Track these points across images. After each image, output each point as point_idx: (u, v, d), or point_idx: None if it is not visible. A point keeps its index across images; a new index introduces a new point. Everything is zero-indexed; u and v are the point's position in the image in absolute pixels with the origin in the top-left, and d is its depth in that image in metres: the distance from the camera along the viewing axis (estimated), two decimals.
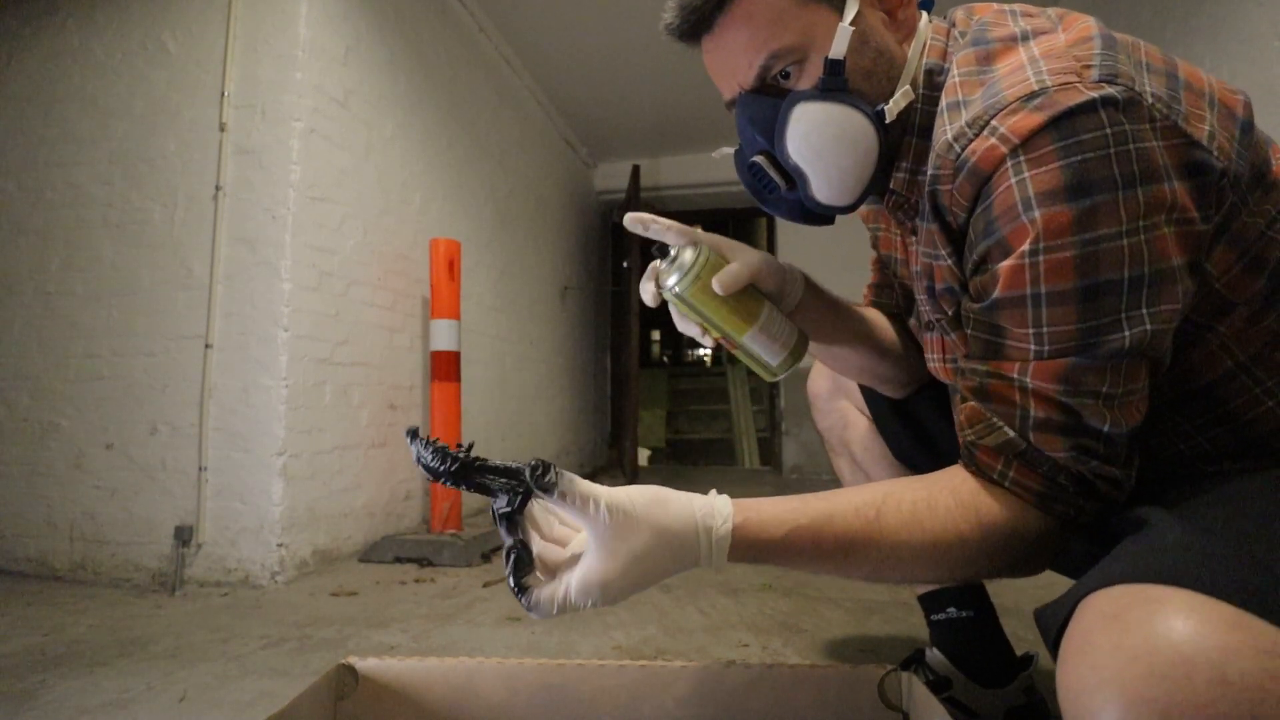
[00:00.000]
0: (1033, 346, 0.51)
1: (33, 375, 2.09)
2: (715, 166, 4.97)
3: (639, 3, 3.11)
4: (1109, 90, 0.48)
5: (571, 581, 0.51)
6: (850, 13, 0.61)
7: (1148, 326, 0.49)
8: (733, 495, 0.54)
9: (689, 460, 6.52)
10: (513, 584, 0.51)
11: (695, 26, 0.65)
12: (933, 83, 0.62)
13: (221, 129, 1.99)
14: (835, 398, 1.03)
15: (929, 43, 0.63)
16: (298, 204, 1.97)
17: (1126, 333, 0.49)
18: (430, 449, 0.52)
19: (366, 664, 0.74)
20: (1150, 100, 0.49)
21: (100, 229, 2.08)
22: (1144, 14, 2.56)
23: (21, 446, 2.07)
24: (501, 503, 0.53)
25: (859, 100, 0.61)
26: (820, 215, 0.68)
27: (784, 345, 0.69)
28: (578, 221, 4.78)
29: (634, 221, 0.68)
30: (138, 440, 1.97)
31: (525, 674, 0.73)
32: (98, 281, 2.06)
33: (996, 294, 0.52)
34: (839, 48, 0.60)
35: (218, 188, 1.97)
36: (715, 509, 0.53)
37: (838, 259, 4.53)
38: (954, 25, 0.64)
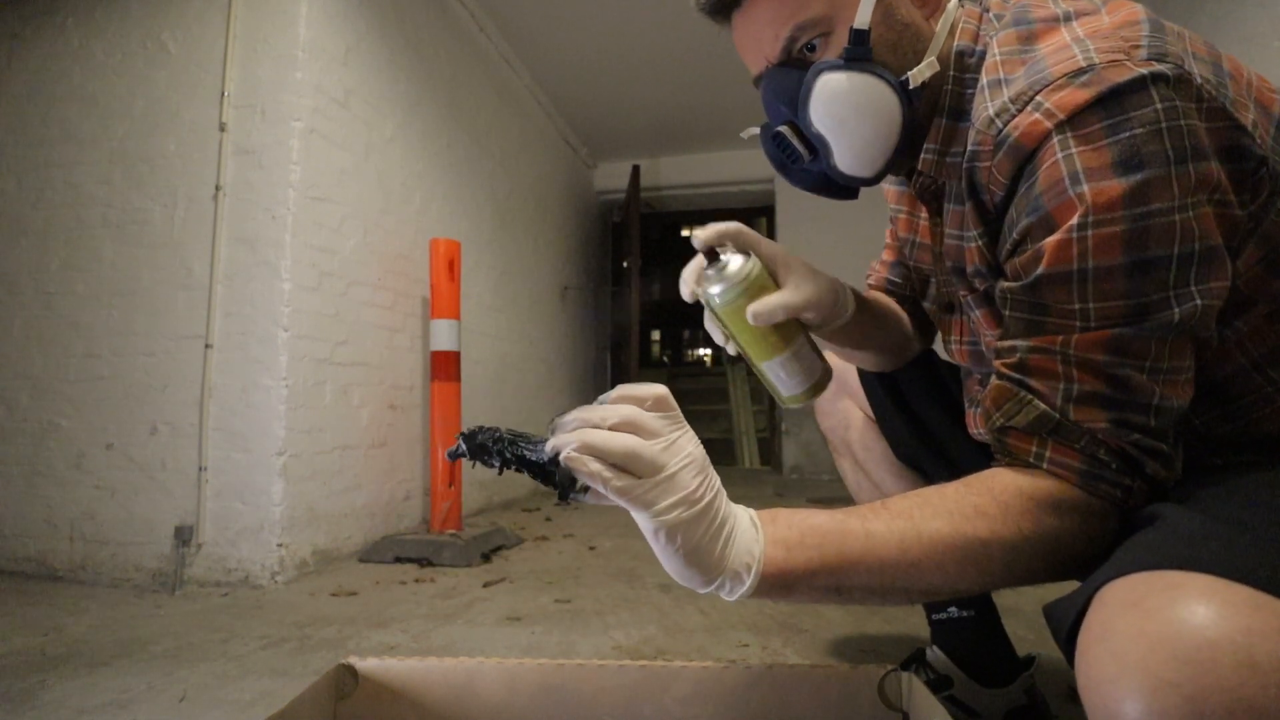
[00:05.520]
0: (1078, 322, 0.50)
1: (33, 375, 2.09)
2: (715, 166, 4.97)
3: (639, 3, 3.11)
4: (1159, 67, 0.48)
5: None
6: None
7: (1198, 302, 0.48)
8: (732, 496, 0.52)
9: None
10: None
11: (725, 2, 0.65)
12: (963, 64, 0.62)
13: (221, 129, 1.99)
14: (838, 398, 1.03)
15: (961, 26, 0.63)
16: (298, 204, 1.97)
17: (1176, 309, 0.48)
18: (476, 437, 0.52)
19: (366, 664, 0.74)
20: (1199, 81, 0.49)
21: (100, 229, 2.08)
22: None
23: (21, 446, 2.07)
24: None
25: (883, 70, 0.61)
26: (843, 187, 0.68)
27: (804, 380, 0.66)
28: (578, 221, 4.78)
29: (700, 242, 0.63)
30: (138, 440, 1.96)
31: (525, 674, 0.73)
32: (98, 281, 2.06)
33: (1041, 270, 0.51)
34: (863, 17, 0.60)
35: (218, 188, 1.97)
36: (748, 563, 0.49)
37: (836, 261, 4.54)
38: (987, 10, 0.64)
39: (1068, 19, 0.55)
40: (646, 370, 5.33)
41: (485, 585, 1.81)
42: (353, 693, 0.73)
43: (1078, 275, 0.49)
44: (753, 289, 0.62)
